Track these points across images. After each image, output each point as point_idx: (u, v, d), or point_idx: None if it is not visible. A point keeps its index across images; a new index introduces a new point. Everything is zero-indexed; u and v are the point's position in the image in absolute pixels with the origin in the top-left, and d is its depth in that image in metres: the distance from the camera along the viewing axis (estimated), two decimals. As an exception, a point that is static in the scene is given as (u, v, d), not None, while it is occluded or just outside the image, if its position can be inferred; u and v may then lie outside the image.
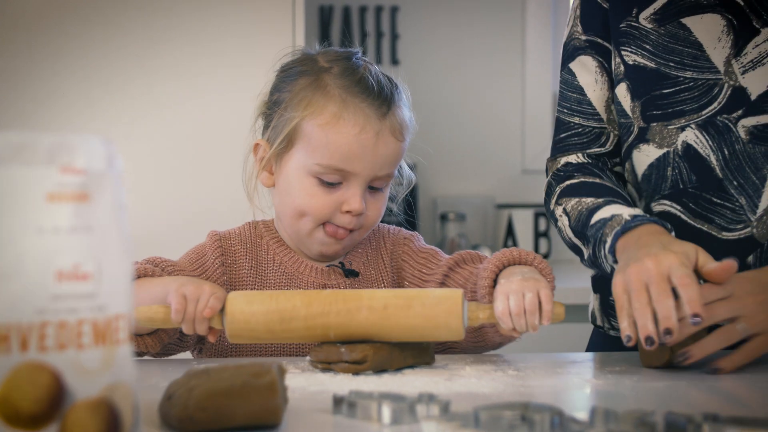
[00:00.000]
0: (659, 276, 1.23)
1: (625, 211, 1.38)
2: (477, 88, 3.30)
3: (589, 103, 1.54)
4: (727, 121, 1.41)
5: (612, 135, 1.55)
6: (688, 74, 1.43)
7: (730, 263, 1.25)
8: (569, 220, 1.47)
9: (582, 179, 1.51)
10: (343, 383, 1.18)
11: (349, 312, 1.27)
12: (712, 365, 1.26)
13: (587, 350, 1.65)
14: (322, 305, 1.28)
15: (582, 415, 0.96)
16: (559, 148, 1.58)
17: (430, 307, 1.27)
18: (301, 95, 1.43)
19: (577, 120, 1.56)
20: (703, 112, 1.42)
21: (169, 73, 2.41)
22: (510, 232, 3.21)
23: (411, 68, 3.24)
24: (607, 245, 1.37)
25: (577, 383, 1.25)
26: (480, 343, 1.44)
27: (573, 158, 1.56)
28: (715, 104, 1.42)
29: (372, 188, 1.44)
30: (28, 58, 2.36)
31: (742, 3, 1.42)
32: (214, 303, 1.28)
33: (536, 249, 3.20)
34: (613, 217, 1.38)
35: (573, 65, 1.56)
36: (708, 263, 1.25)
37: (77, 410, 0.76)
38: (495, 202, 3.29)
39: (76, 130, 2.35)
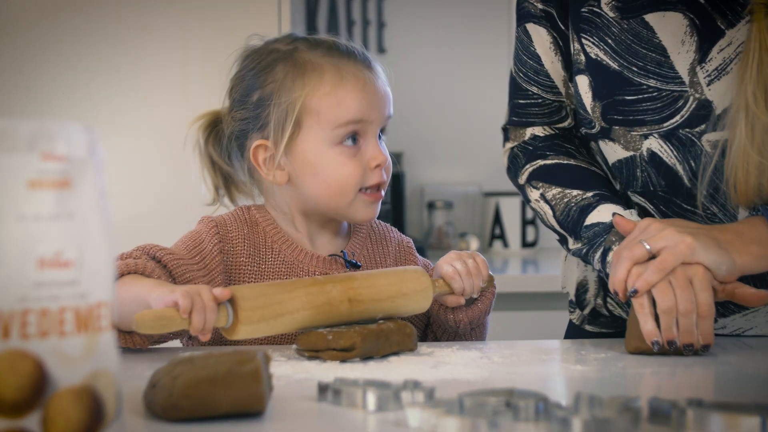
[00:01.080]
0: (684, 280, 1.26)
1: (624, 215, 1.38)
2: (464, 76, 3.30)
3: (547, 75, 1.50)
4: (690, 135, 1.36)
5: (570, 109, 1.52)
6: (652, 83, 1.36)
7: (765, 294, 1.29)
8: (553, 211, 1.46)
9: (557, 160, 1.48)
10: (329, 371, 1.18)
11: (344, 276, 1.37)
12: (630, 287, 1.28)
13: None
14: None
15: (566, 401, 0.97)
16: (519, 115, 1.55)
17: (405, 274, 1.39)
18: (289, 78, 1.42)
19: (535, 90, 1.52)
20: (665, 124, 1.37)
21: (154, 62, 2.40)
22: (497, 220, 3.22)
23: (398, 56, 3.23)
24: (611, 254, 1.37)
25: (562, 370, 1.25)
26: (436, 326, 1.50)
27: (539, 131, 1.53)
28: (678, 117, 1.36)
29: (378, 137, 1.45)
30: (12, 48, 2.35)
31: (703, 1, 1.34)
32: (222, 290, 1.23)
33: (523, 237, 3.19)
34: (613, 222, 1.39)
35: (529, 27, 1.49)
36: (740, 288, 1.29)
37: (60, 398, 0.76)
38: (482, 190, 3.29)
39: (60, 118, 2.34)
